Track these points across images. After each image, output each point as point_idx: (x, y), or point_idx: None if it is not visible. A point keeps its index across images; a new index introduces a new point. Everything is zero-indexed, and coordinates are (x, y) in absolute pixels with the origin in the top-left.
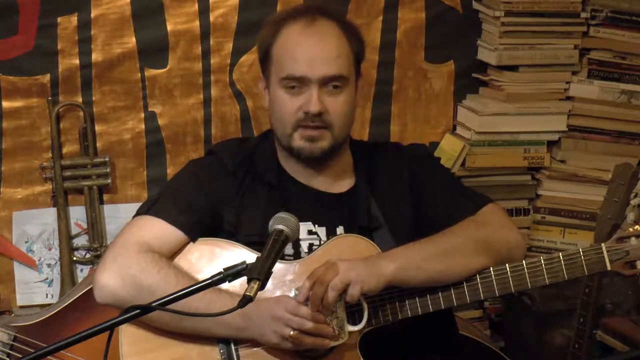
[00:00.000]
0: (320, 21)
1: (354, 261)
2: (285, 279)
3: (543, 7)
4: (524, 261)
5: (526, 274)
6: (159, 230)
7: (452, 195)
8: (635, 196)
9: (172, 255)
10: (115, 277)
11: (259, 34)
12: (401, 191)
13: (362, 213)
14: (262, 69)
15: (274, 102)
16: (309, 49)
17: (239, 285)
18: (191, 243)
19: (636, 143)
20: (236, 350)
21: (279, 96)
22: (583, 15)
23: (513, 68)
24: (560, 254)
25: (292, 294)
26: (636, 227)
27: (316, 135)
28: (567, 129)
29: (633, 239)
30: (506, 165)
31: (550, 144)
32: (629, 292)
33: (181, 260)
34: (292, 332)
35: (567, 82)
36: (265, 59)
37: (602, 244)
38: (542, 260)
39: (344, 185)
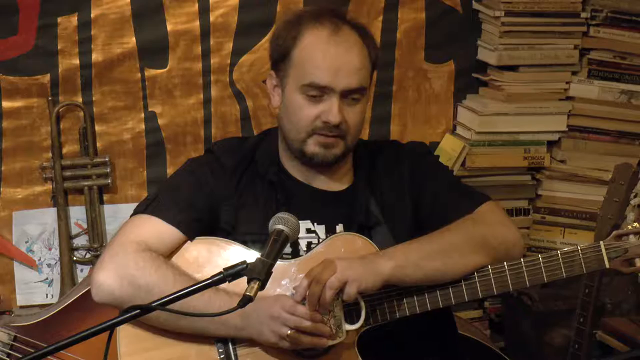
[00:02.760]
0: (344, 30)
1: (351, 260)
2: (283, 278)
3: (543, 7)
4: (522, 259)
5: (525, 272)
6: (157, 229)
7: (451, 194)
8: (635, 196)
9: (170, 254)
10: (113, 276)
11: (275, 32)
12: (401, 189)
13: (360, 211)
14: (275, 69)
15: (290, 106)
16: (335, 58)
17: (237, 284)
18: (189, 242)
19: (636, 143)
20: (234, 349)
21: (297, 101)
22: (583, 15)
23: (513, 68)
24: (558, 251)
25: (290, 294)
26: (635, 224)
27: (331, 142)
28: (567, 129)
29: (632, 236)
30: (506, 165)
31: (550, 144)
32: (629, 292)
33: (179, 259)
34: (289, 331)
35: (567, 82)
36: (282, 60)
37: (601, 242)
38: (541, 258)
39: (343, 183)
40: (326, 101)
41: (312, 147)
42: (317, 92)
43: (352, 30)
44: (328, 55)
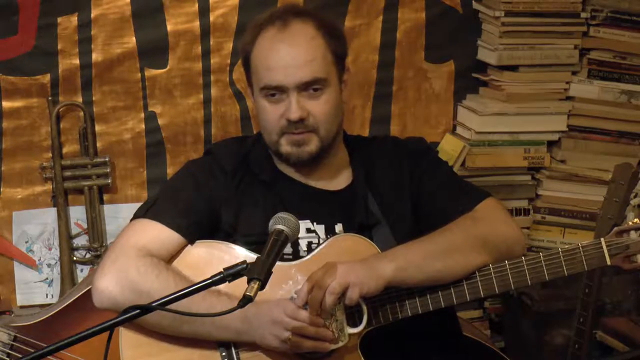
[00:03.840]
0: (292, 24)
1: (353, 263)
2: (284, 281)
3: (543, 7)
4: (523, 257)
5: (526, 270)
6: (157, 234)
7: (451, 191)
8: (635, 196)
9: (170, 258)
10: (114, 282)
11: (242, 39)
12: (400, 186)
13: (360, 210)
14: (246, 76)
15: (259, 112)
16: (282, 56)
17: (238, 289)
18: (189, 245)
19: (636, 143)
20: (237, 353)
21: (261, 105)
22: (583, 15)
23: (513, 68)
24: (559, 249)
25: (291, 297)
26: (635, 220)
27: (301, 139)
28: (567, 129)
29: (632, 232)
30: (506, 165)
31: (550, 144)
32: (629, 292)
33: (180, 263)
34: (291, 336)
35: (567, 82)
36: (246, 67)
37: (602, 239)
38: (542, 256)
39: (341, 182)
40: (285, 99)
41: (285, 147)
42: (275, 91)
43: (305, 23)
44: (274, 54)
